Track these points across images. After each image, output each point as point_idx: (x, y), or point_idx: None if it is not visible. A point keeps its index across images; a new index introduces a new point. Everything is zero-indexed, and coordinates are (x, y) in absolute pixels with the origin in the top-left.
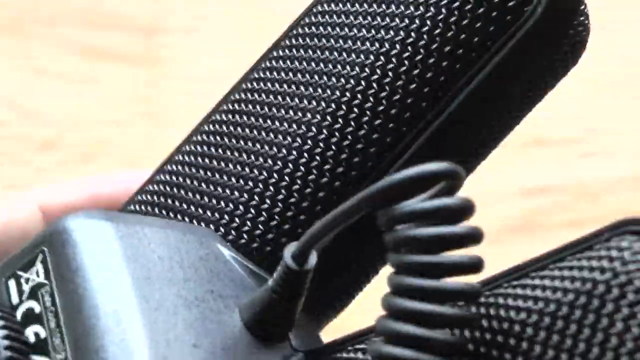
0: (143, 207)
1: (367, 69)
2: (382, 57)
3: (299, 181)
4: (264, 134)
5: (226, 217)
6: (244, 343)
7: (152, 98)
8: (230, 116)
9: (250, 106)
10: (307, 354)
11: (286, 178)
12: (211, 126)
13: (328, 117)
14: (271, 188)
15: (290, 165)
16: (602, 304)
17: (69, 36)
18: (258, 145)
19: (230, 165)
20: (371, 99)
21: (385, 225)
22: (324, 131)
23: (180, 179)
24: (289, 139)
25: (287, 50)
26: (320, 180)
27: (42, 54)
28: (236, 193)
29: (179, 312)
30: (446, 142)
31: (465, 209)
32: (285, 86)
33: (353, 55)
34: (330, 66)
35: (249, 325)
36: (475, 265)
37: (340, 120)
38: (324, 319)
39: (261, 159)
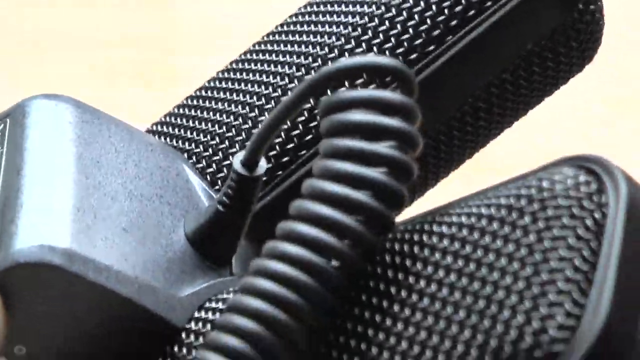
0: None
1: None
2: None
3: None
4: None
5: (200, 146)
6: (182, 250)
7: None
8: (226, 74)
9: (237, 73)
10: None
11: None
12: (214, 81)
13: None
14: (249, 122)
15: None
16: (520, 216)
17: (85, 57)
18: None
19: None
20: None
21: (322, 112)
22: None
23: (174, 119)
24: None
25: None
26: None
27: (59, 75)
28: (216, 127)
29: (117, 198)
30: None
31: (406, 107)
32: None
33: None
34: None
35: (191, 237)
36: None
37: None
38: None
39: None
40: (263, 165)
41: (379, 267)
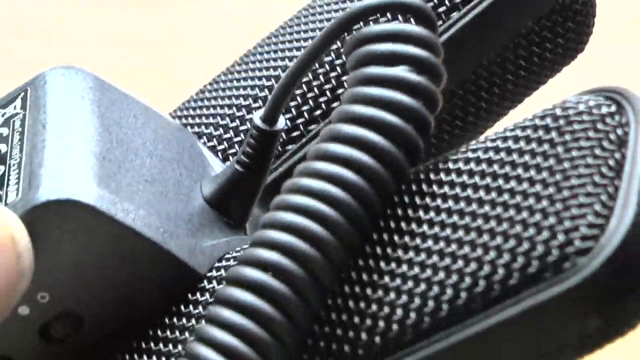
0: None
1: None
2: None
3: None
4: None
5: (211, 127)
6: (201, 207)
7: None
8: (233, 66)
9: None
10: None
11: None
12: (222, 75)
13: None
14: (259, 102)
15: None
16: (546, 132)
17: (85, 56)
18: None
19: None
20: None
21: (351, 46)
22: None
23: (181, 112)
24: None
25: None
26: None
27: None
28: (225, 109)
29: (139, 154)
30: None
31: (431, 40)
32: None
33: None
34: None
35: (208, 199)
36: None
37: None
38: None
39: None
40: (282, 120)
41: (398, 207)
